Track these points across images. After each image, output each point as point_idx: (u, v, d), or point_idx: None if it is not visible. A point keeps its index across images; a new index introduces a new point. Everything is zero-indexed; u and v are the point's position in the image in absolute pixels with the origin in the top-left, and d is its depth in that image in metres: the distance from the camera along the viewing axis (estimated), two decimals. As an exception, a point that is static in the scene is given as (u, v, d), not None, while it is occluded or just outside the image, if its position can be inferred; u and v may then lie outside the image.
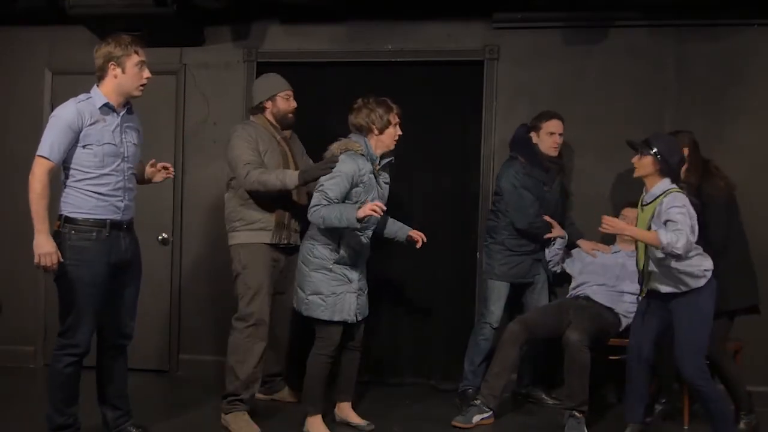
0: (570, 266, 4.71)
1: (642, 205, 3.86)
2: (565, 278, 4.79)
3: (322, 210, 3.77)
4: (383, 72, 5.26)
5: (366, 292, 4.06)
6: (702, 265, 3.73)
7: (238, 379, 4.13)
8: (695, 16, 4.83)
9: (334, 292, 3.89)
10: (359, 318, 4.00)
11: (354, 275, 3.95)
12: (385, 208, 3.77)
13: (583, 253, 4.72)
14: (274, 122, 4.35)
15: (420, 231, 4.92)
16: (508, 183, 4.59)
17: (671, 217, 3.63)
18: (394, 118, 3.97)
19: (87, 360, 3.66)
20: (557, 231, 4.61)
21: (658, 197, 3.76)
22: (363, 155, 3.90)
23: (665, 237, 3.55)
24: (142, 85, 3.62)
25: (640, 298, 4.00)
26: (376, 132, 3.95)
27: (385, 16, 5.16)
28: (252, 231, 4.22)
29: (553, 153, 4.62)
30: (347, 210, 3.72)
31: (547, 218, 4.59)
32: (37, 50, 5.51)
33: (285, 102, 4.36)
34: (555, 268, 4.74)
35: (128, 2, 4.75)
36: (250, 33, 5.35)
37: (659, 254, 3.67)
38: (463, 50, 5.15)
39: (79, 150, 3.52)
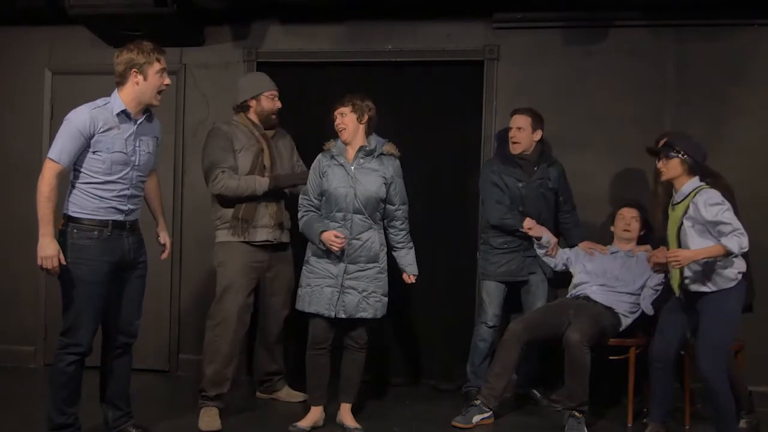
0: (572, 266, 4.70)
1: (672, 204, 3.88)
2: (565, 278, 4.78)
3: (302, 221, 4.09)
4: (383, 72, 5.27)
5: (362, 292, 3.99)
6: (738, 267, 3.75)
7: (206, 378, 4.21)
8: (695, 16, 4.83)
9: (309, 284, 4.04)
10: (342, 315, 3.97)
11: (336, 270, 3.98)
12: (341, 243, 3.91)
13: (582, 252, 4.71)
14: (256, 121, 4.39)
15: (420, 231, 4.94)
16: (481, 182, 4.70)
17: (719, 218, 3.66)
18: (332, 115, 4.10)
19: (90, 360, 3.66)
20: (536, 230, 4.56)
21: (688, 195, 3.79)
22: (329, 151, 4.10)
23: (733, 244, 3.60)
24: (159, 92, 3.62)
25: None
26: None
27: (385, 16, 5.16)
28: (226, 229, 4.30)
29: (513, 149, 4.62)
30: (314, 229, 3.99)
31: (528, 221, 4.55)
32: (37, 50, 5.51)
33: (269, 102, 4.39)
34: (555, 266, 4.72)
35: (128, 2, 4.75)
36: (250, 33, 5.35)
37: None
38: (463, 50, 5.15)
39: (88, 155, 3.52)
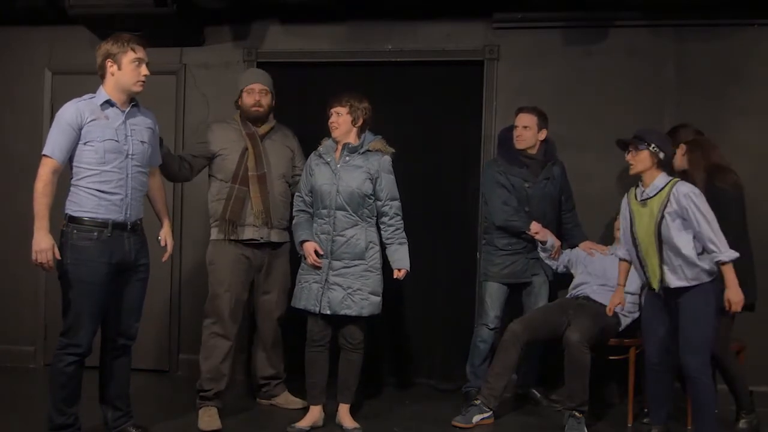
0: (573, 267, 4.70)
1: (642, 200, 3.82)
2: (566, 279, 4.78)
3: (294, 220, 4.23)
4: (383, 72, 5.27)
5: (347, 288, 4.01)
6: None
7: (203, 375, 4.24)
8: (695, 16, 4.83)
9: (299, 281, 4.15)
10: (327, 311, 4.01)
11: (322, 266, 4.04)
12: (316, 261, 4.04)
13: (583, 253, 4.71)
14: (245, 119, 4.41)
15: (419, 230, 4.95)
16: (486, 183, 4.68)
17: (701, 222, 3.65)
18: (328, 112, 4.16)
19: (90, 360, 3.67)
20: (542, 234, 4.55)
21: (663, 189, 3.76)
22: (318, 149, 4.21)
23: (729, 255, 3.64)
24: (140, 81, 3.63)
25: (642, 295, 4.05)
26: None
27: (385, 16, 5.16)
28: (216, 227, 4.34)
29: (517, 146, 4.62)
30: (298, 235, 4.15)
31: (535, 225, 4.54)
32: (37, 50, 5.52)
33: (248, 96, 4.39)
34: (557, 268, 4.72)
35: (128, 2, 4.75)
36: (250, 33, 5.36)
37: (687, 251, 3.69)
38: (463, 50, 5.15)
39: (80, 147, 3.55)
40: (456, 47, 5.15)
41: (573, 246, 4.77)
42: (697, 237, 3.71)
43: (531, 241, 4.61)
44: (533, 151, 4.64)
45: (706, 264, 3.71)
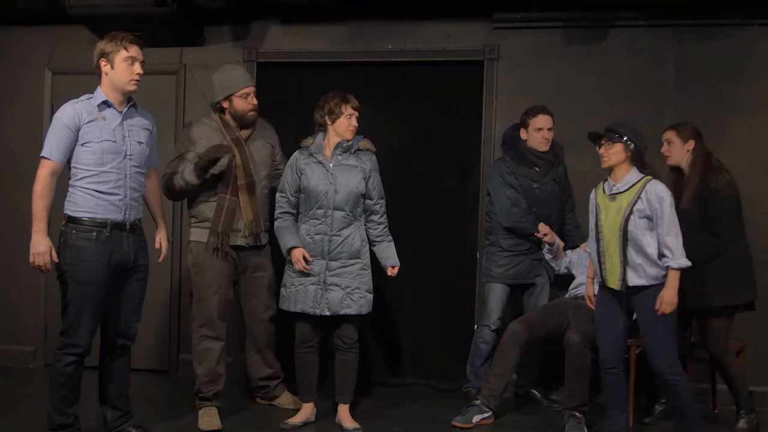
0: (574, 268, 4.69)
1: (612, 194, 3.76)
2: (567, 279, 4.77)
3: (277, 223, 4.14)
4: (383, 72, 5.27)
5: (345, 288, 4.01)
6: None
7: (199, 378, 4.23)
8: (695, 16, 4.83)
9: (293, 284, 4.08)
10: (326, 312, 4.00)
11: (318, 267, 4.02)
12: (305, 267, 3.97)
13: (584, 254, 4.71)
14: (232, 122, 4.28)
15: (419, 231, 4.95)
16: (493, 182, 4.64)
17: (665, 226, 3.61)
18: (346, 110, 4.07)
19: (89, 360, 3.67)
20: (550, 236, 4.54)
21: (635, 185, 3.71)
22: (308, 148, 4.12)
23: (680, 263, 3.58)
24: (133, 80, 3.61)
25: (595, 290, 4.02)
26: (329, 124, 4.11)
27: (385, 16, 5.16)
28: (202, 229, 4.25)
29: (543, 148, 4.59)
30: (285, 240, 4.07)
31: (543, 226, 4.53)
32: (37, 50, 5.52)
33: (242, 101, 4.24)
34: (559, 269, 4.71)
35: (128, 2, 4.76)
36: (250, 33, 5.36)
37: (651, 250, 3.65)
38: (463, 50, 5.15)
39: (78, 148, 3.56)
40: (456, 47, 5.15)
41: (573, 247, 4.77)
42: (658, 238, 3.66)
43: (535, 242, 4.61)
44: (548, 150, 4.63)
45: (662, 264, 3.67)
